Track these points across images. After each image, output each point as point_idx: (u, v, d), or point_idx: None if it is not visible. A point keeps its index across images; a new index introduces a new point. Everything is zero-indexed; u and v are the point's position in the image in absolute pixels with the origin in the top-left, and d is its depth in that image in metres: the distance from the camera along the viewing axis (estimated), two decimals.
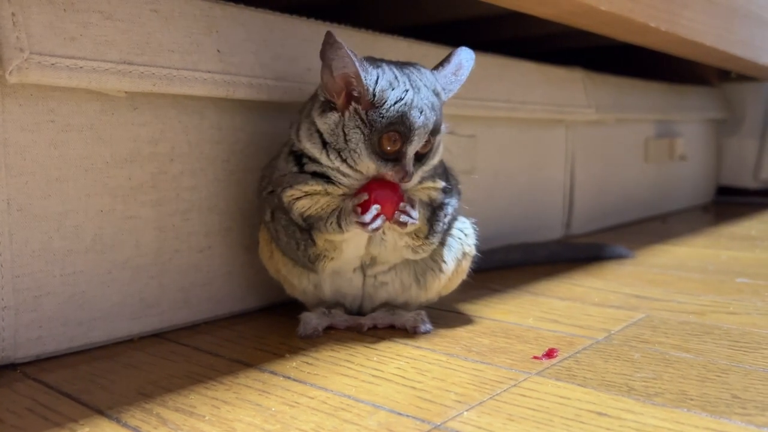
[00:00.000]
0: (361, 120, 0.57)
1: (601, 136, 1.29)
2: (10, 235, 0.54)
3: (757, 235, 1.23)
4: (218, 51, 0.64)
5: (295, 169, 0.60)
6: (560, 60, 1.20)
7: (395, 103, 0.56)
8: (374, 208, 0.57)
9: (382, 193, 0.57)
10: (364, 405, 0.47)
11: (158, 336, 0.64)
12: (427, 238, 0.62)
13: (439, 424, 0.44)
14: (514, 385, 0.51)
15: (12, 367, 0.56)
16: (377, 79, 0.57)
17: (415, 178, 0.60)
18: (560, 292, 0.80)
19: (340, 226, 0.58)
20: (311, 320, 0.64)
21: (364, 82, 0.56)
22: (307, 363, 0.56)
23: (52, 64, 0.52)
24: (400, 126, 0.56)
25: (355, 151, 0.57)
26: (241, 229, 0.70)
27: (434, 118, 0.58)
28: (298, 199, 0.60)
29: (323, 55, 0.56)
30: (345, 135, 0.57)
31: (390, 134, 0.56)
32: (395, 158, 0.57)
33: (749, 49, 1.28)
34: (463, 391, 0.50)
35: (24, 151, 0.54)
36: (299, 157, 0.61)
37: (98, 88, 0.56)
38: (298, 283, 0.66)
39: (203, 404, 0.48)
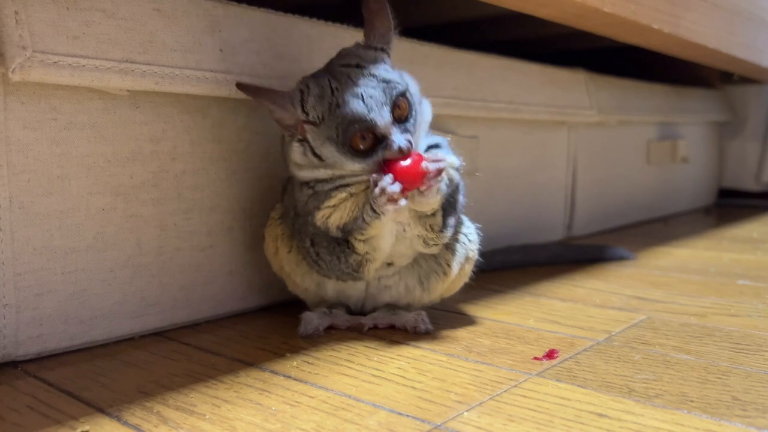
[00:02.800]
0: (322, 137, 0.57)
1: (603, 137, 1.29)
2: (12, 232, 0.54)
3: (759, 238, 1.23)
4: (221, 50, 0.64)
5: (310, 191, 0.60)
6: (563, 61, 1.20)
7: (329, 110, 0.56)
8: (397, 184, 0.55)
9: (404, 169, 0.56)
10: (365, 405, 0.47)
11: (159, 335, 0.64)
12: (441, 231, 0.61)
13: (439, 424, 0.44)
14: (515, 386, 0.51)
15: (13, 364, 0.56)
16: (302, 99, 0.57)
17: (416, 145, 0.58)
18: (561, 294, 0.80)
19: (375, 212, 0.57)
20: (312, 320, 0.64)
21: (294, 112, 0.57)
22: (308, 362, 0.56)
23: (55, 63, 0.53)
24: (355, 124, 0.56)
25: (337, 163, 0.57)
26: (243, 229, 0.70)
27: (380, 86, 0.57)
28: (330, 216, 0.59)
29: (258, 102, 0.60)
30: (319, 156, 0.58)
31: (354, 136, 0.56)
32: (381, 144, 0.56)
33: (752, 51, 1.28)
34: (463, 391, 0.50)
35: (26, 149, 0.54)
36: (308, 183, 0.60)
37: (100, 86, 0.56)
38: (301, 281, 0.66)
39: (204, 403, 0.48)
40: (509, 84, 1.01)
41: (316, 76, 0.59)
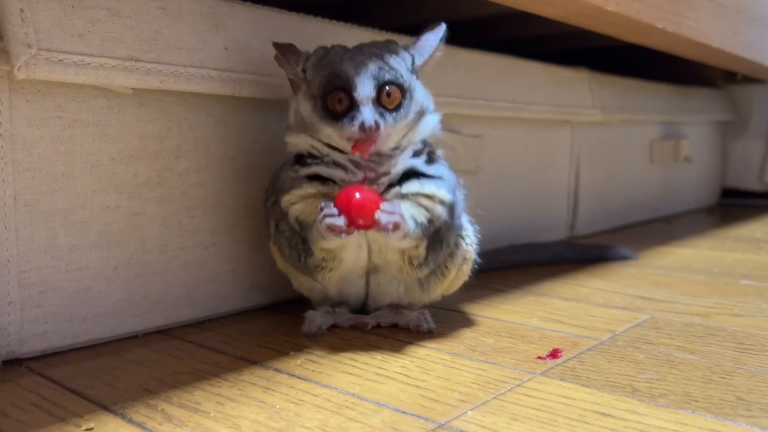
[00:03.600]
0: (307, 94, 0.59)
1: (606, 137, 1.29)
2: (17, 230, 0.54)
3: (762, 238, 1.23)
4: (225, 48, 0.64)
5: (293, 174, 0.60)
6: (566, 60, 1.20)
7: (321, 67, 0.58)
8: (342, 217, 0.54)
9: (351, 204, 0.54)
10: (369, 403, 0.47)
11: (163, 333, 0.64)
12: (420, 266, 0.60)
13: (443, 423, 0.44)
14: (519, 385, 0.51)
15: (17, 361, 0.56)
16: (306, 58, 0.59)
17: (392, 137, 0.57)
18: (564, 293, 0.80)
19: (320, 232, 0.56)
20: (316, 318, 0.64)
21: (296, 68, 0.59)
22: (312, 361, 0.56)
23: (60, 61, 0.53)
24: (336, 80, 0.56)
25: (312, 123, 0.58)
26: (246, 227, 0.70)
27: (380, 65, 0.56)
28: (293, 203, 0.59)
29: (284, 67, 0.61)
30: (302, 114, 0.59)
31: (332, 93, 0.56)
32: (351, 113, 0.56)
33: (756, 51, 1.28)
34: (467, 390, 0.50)
35: (31, 147, 0.54)
36: (300, 158, 0.61)
37: (105, 84, 0.57)
38: (306, 279, 0.66)
39: (208, 401, 0.48)
40: (512, 83, 1.01)
41: (340, 46, 0.60)
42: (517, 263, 0.96)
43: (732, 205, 1.77)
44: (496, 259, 0.92)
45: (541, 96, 1.07)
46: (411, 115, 0.59)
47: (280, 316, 0.70)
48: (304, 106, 0.59)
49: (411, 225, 0.57)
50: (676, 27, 0.98)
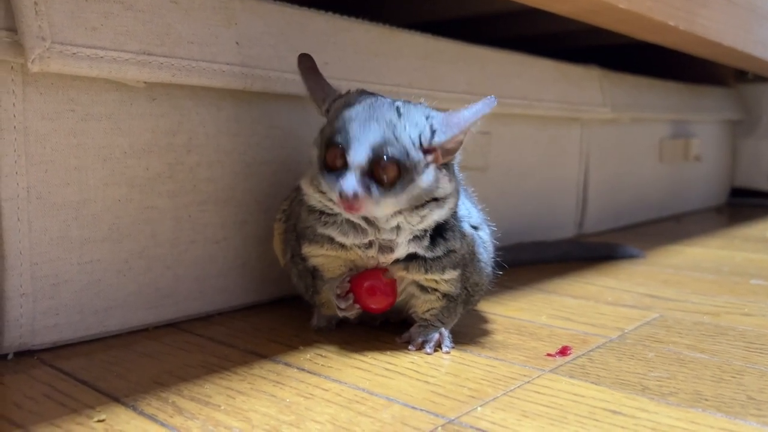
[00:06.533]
0: (318, 140, 0.55)
1: (616, 135, 1.29)
2: (29, 222, 0.54)
3: None
4: (237, 43, 0.64)
5: (314, 224, 0.57)
6: (577, 58, 1.20)
7: (339, 117, 0.53)
8: (348, 299, 0.57)
9: (362, 292, 0.57)
10: (378, 398, 0.47)
11: (173, 326, 0.65)
12: (433, 323, 0.59)
13: (453, 418, 0.44)
14: (528, 382, 0.51)
15: (29, 353, 0.56)
16: (334, 99, 0.56)
17: (380, 209, 0.52)
18: (573, 291, 0.80)
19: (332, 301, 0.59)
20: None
21: (320, 108, 0.57)
22: (321, 355, 0.56)
23: (74, 54, 0.53)
24: (338, 136, 0.51)
25: (314, 170, 0.55)
26: (257, 222, 0.70)
27: (387, 136, 0.51)
28: (314, 257, 0.59)
29: (311, 97, 0.58)
30: (312, 161, 0.56)
31: (331, 148, 0.52)
32: (341, 175, 0.51)
33: (767, 49, 1.27)
34: (476, 386, 0.50)
35: (44, 140, 0.55)
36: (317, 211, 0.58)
37: (118, 78, 0.57)
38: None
39: (218, 394, 0.48)
40: (522, 80, 1.01)
41: (366, 92, 0.57)
42: (526, 261, 0.96)
43: (741, 204, 1.76)
44: (505, 257, 0.92)
45: (551, 93, 1.06)
46: (404, 196, 0.52)
47: (290, 311, 0.71)
48: (312, 151, 0.56)
49: (446, 332, 0.59)
50: (688, 25, 0.97)
